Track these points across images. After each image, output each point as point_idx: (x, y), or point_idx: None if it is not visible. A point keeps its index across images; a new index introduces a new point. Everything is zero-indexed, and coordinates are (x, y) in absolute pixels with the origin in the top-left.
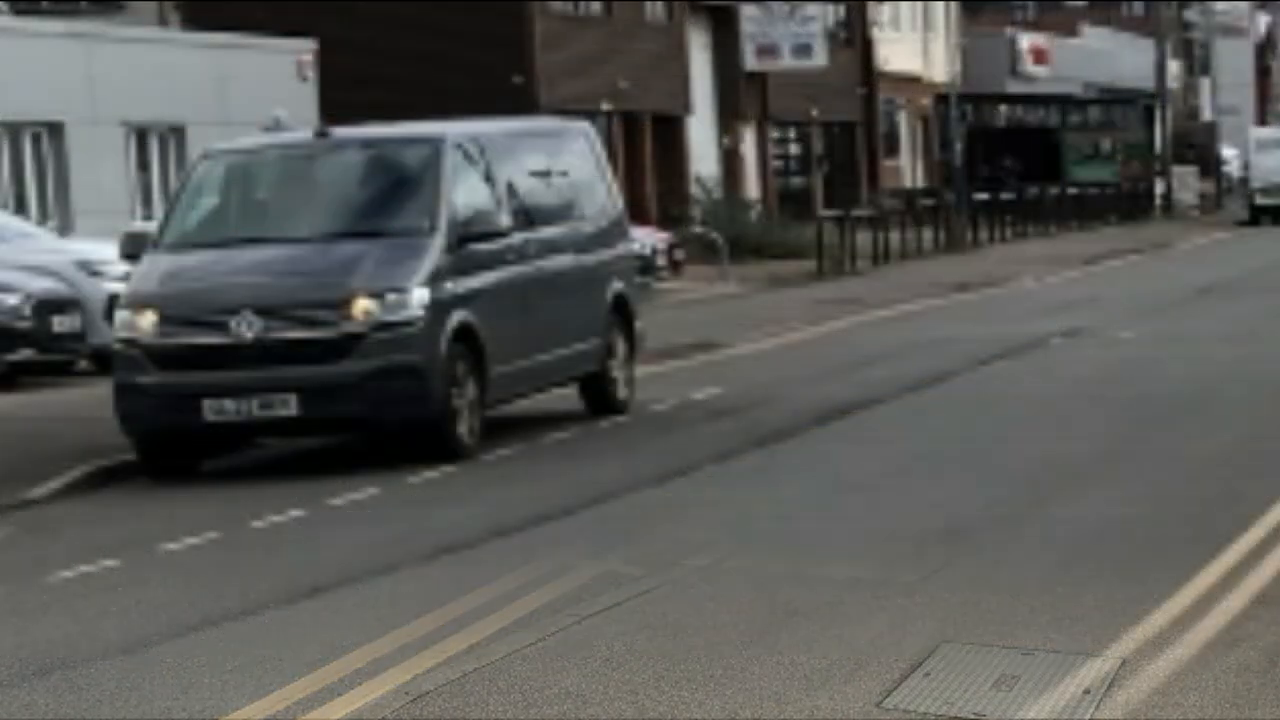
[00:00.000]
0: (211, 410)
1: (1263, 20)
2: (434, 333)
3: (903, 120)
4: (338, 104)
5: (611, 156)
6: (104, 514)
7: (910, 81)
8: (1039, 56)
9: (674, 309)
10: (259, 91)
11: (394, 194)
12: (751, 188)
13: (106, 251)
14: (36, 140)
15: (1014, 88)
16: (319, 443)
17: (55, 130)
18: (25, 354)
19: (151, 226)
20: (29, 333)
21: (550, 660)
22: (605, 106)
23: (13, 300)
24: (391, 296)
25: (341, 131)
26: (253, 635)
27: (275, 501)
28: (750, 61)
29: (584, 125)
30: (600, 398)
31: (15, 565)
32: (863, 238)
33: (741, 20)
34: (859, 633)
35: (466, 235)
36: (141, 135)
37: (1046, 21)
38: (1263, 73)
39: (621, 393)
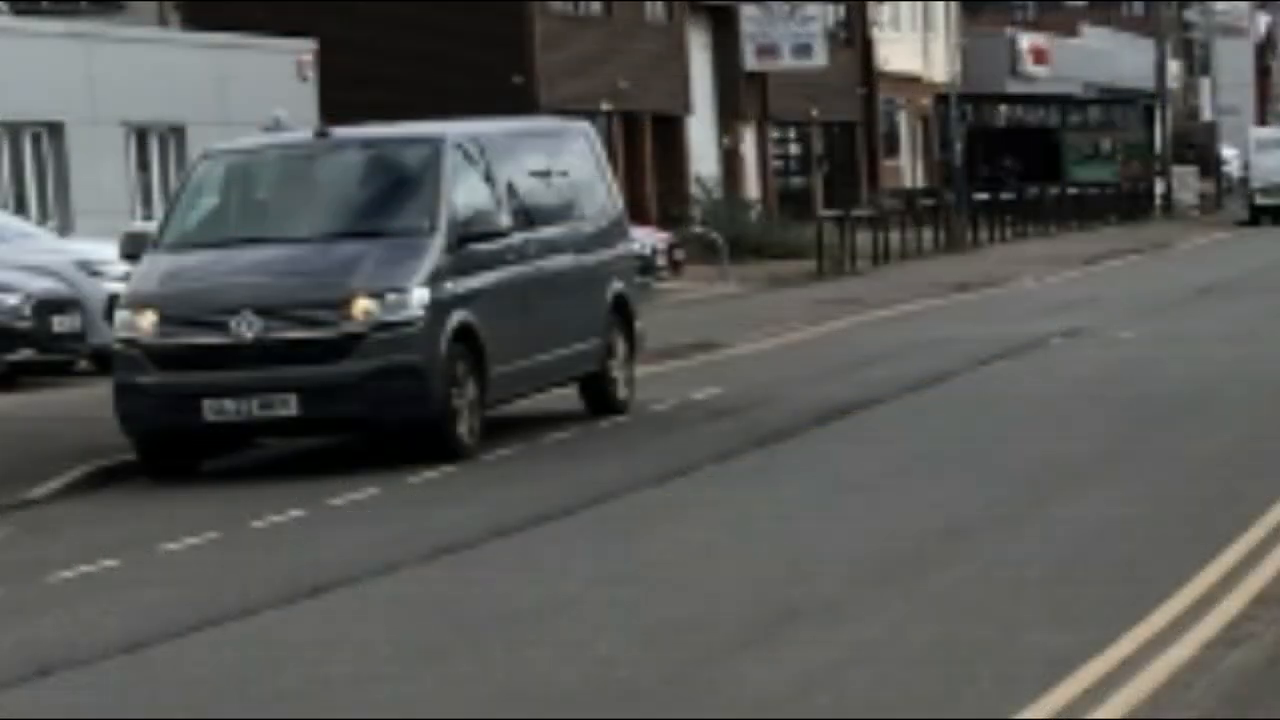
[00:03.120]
0: (211, 410)
1: (1263, 20)
2: (434, 333)
3: (903, 120)
4: (338, 104)
5: (611, 156)
6: (104, 514)
7: (910, 81)
8: (1039, 56)
9: (674, 309)
10: (259, 91)
11: (394, 194)
12: (751, 188)
13: (106, 251)
14: (36, 140)
15: (1014, 88)
16: (319, 443)
17: (55, 130)
18: (25, 354)
19: (151, 226)
20: (29, 333)
21: (548, 660)
22: (605, 106)
23: (13, 300)
24: (391, 296)
25: (341, 131)
26: (253, 635)
27: (275, 501)
28: (750, 61)
29: (584, 125)
30: (600, 398)
31: (15, 565)
32: (863, 238)
33: (741, 20)
34: (859, 633)
35: (466, 235)
36: (141, 135)
37: (1046, 21)
38: (1263, 73)
39: (621, 393)
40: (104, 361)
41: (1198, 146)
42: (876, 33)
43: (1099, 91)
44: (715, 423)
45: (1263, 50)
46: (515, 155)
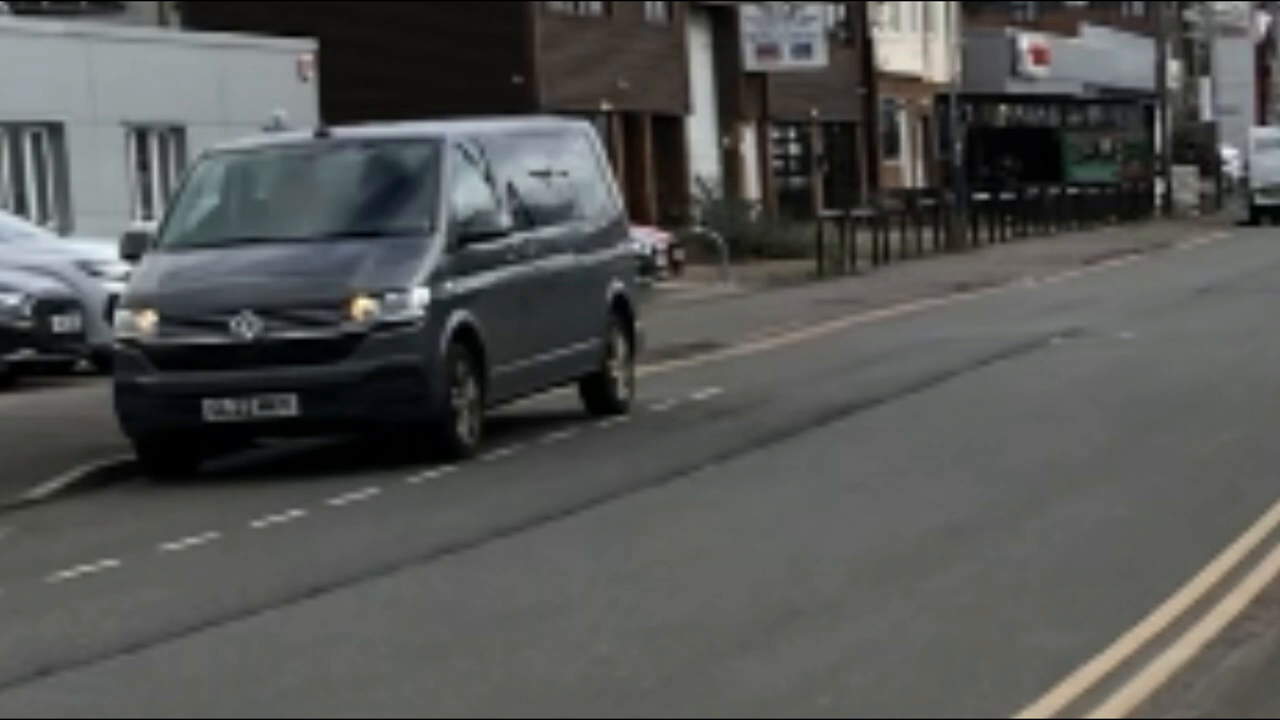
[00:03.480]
0: (211, 410)
1: (1263, 20)
2: (434, 333)
3: (903, 120)
4: (338, 104)
5: (611, 156)
6: (104, 514)
7: (910, 81)
8: (1039, 56)
9: (674, 309)
10: (259, 91)
11: (394, 194)
12: (751, 188)
13: (106, 251)
14: (36, 140)
15: (1014, 88)
16: (319, 443)
17: (55, 130)
18: (25, 354)
19: (151, 226)
20: (29, 333)
21: (548, 660)
22: (605, 106)
23: (13, 300)
24: (391, 296)
25: (341, 131)
26: (253, 635)
27: (275, 501)
28: (750, 61)
29: (584, 125)
30: (600, 398)
31: (15, 565)
32: (863, 238)
33: (741, 20)
34: (859, 633)
35: (466, 235)
36: (141, 135)
37: (1046, 21)
38: (1263, 73)
39: (621, 393)
40: (104, 361)
41: (1198, 146)
42: (876, 33)
43: (1099, 91)
44: (715, 423)
45: (1263, 50)
46: (515, 155)
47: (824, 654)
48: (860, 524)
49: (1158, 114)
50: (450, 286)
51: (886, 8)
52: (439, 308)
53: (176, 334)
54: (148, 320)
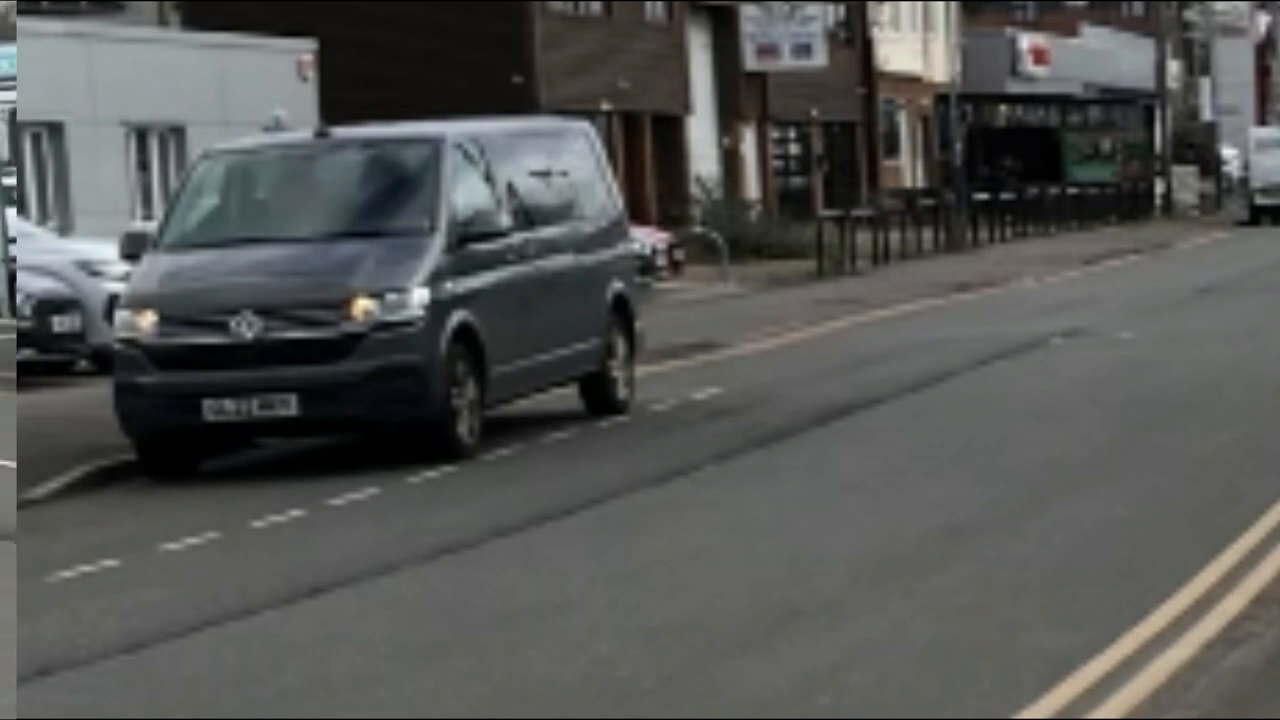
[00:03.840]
0: (211, 410)
1: (1263, 20)
2: (434, 333)
3: (903, 120)
4: (338, 104)
5: (611, 156)
6: (104, 514)
7: (910, 81)
8: (1039, 56)
9: (674, 309)
10: (259, 91)
11: (394, 194)
12: (751, 188)
13: (106, 251)
14: (36, 140)
15: (1014, 88)
16: (319, 443)
17: (55, 130)
18: (25, 354)
19: (151, 226)
20: (29, 333)
21: (548, 660)
22: (605, 106)
23: None
24: (391, 296)
25: (341, 131)
26: (253, 635)
27: (275, 501)
28: (750, 61)
29: (584, 125)
30: (600, 398)
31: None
32: (863, 238)
33: (741, 20)
34: (859, 633)
35: (466, 235)
36: (141, 135)
37: (1046, 21)
38: (1263, 73)
39: (621, 393)
40: (104, 361)
41: (1198, 146)
42: (876, 33)
43: (1099, 91)
44: (715, 423)
45: (1263, 50)
46: (515, 155)
47: (824, 654)
48: (860, 524)
49: (1158, 114)
50: (450, 286)
51: (886, 8)
52: (439, 308)
53: (176, 334)
54: (148, 320)
